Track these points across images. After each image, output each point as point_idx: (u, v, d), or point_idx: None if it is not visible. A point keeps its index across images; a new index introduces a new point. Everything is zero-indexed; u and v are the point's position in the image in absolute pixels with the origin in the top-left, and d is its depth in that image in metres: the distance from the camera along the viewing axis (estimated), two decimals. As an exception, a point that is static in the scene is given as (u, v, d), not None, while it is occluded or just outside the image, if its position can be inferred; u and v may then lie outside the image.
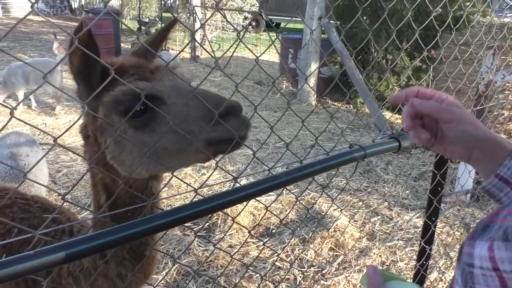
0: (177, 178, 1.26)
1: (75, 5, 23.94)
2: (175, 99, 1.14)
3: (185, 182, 1.33)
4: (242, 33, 1.29)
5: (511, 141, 0.99)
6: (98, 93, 0.98)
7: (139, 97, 1.03)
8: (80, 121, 1.22)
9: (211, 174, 1.68)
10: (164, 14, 17.73)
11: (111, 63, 1.11)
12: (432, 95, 1.08)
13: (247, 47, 1.33)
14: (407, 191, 5.03)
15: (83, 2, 23.45)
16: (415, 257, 2.96)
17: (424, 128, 1.05)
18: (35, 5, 0.81)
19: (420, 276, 2.62)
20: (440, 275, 3.52)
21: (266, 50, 1.59)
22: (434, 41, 5.92)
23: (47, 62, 7.21)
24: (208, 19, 1.56)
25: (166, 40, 1.45)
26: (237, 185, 1.29)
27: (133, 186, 1.28)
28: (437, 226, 2.74)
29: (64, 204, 1.04)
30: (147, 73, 1.19)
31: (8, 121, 0.84)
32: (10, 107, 0.79)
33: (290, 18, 2.87)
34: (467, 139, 0.97)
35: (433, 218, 2.52)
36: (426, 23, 2.52)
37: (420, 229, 3.57)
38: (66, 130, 0.99)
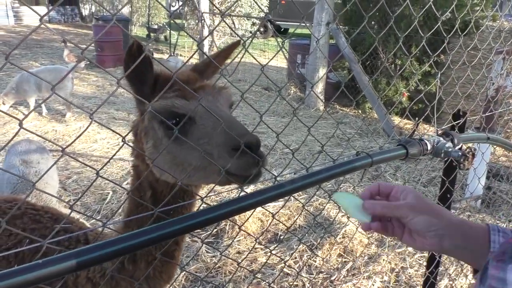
0: (183, 188, 1.27)
1: (85, 12, 24.27)
2: (205, 121, 1.22)
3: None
4: (247, 42, 1.30)
5: None
6: (147, 99, 1.15)
7: (172, 114, 1.21)
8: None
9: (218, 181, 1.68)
10: (173, 21, 17.85)
11: (157, 75, 1.27)
12: (390, 190, 1.09)
13: (253, 56, 1.34)
14: (416, 197, 4.97)
15: (93, 10, 23.75)
16: (425, 263, 2.93)
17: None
18: (45, 17, 0.83)
19: (430, 283, 2.59)
20: (451, 282, 3.47)
21: (273, 57, 1.60)
22: (443, 46, 5.88)
23: (58, 69, 7.32)
24: (215, 28, 1.58)
25: (227, 58, 1.50)
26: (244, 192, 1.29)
27: (173, 187, 1.34)
28: (447, 233, 2.70)
29: (74, 212, 1.05)
30: (188, 91, 1.24)
31: (17, 132, 0.85)
32: (19, 118, 0.80)
33: (298, 24, 2.88)
34: (430, 229, 0.95)
35: (443, 225, 2.49)
36: (435, 28, 2.52)
37: (429, 236, 3.53)
38: (75, 140, 1.01)
